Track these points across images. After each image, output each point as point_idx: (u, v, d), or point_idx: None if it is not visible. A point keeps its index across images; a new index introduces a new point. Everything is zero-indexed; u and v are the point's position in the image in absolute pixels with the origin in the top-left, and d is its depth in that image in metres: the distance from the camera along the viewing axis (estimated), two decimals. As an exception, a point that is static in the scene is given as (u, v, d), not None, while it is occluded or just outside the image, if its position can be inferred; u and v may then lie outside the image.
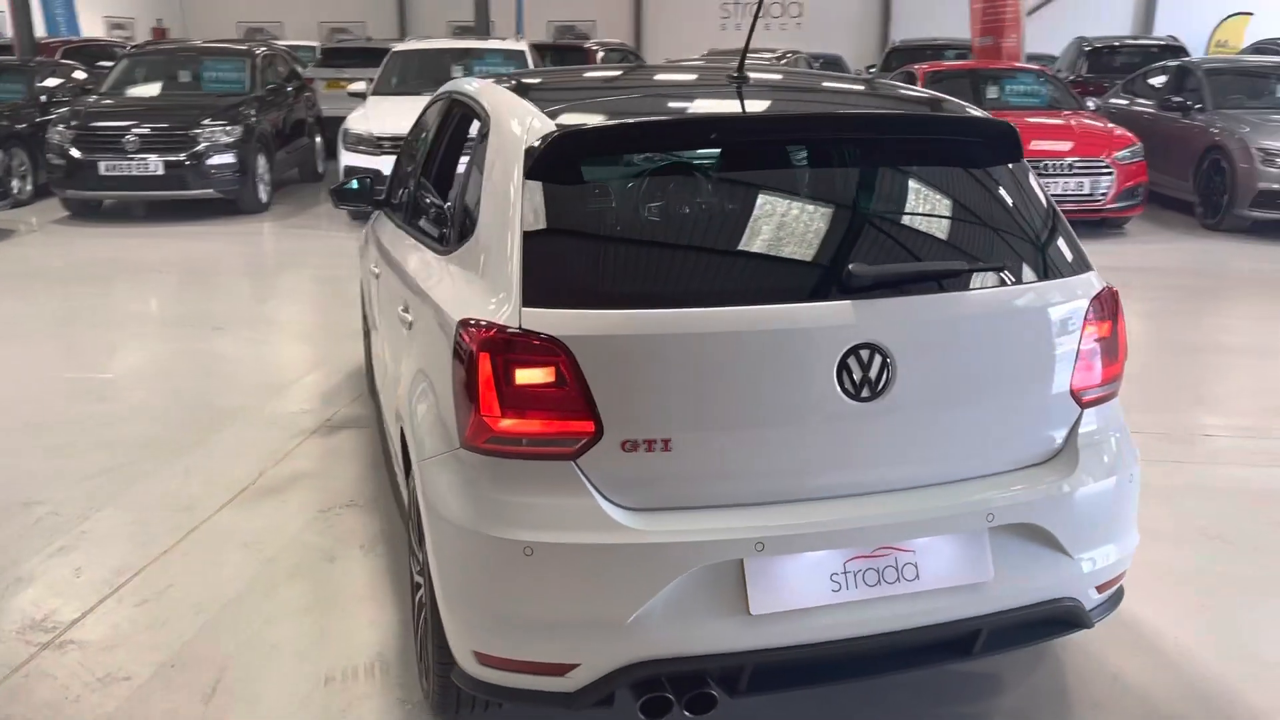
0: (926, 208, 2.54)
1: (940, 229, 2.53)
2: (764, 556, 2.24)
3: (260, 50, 12.22)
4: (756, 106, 2.77)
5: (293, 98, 12.30)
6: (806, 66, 16.29)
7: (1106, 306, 2.54)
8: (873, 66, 20.14)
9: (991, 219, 2.55)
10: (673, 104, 2.78)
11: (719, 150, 2.50)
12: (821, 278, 2.34)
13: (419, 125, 4.12)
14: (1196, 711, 2.78)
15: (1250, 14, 24.02)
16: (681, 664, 2.25)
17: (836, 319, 2.27)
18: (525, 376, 2.22)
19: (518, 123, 2.59)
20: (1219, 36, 24.43)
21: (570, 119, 2.51)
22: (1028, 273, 2.49)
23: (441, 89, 3.75)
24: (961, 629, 2.39)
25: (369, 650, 3.07)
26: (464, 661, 2.38)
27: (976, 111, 2.80)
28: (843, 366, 2.26)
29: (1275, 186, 9.37)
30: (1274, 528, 3.91)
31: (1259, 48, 17.26)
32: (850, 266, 2.32)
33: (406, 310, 2.98)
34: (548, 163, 2.38)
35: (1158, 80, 11.67)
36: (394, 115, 9.36)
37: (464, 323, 2.32)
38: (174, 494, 4.17)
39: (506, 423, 2.24)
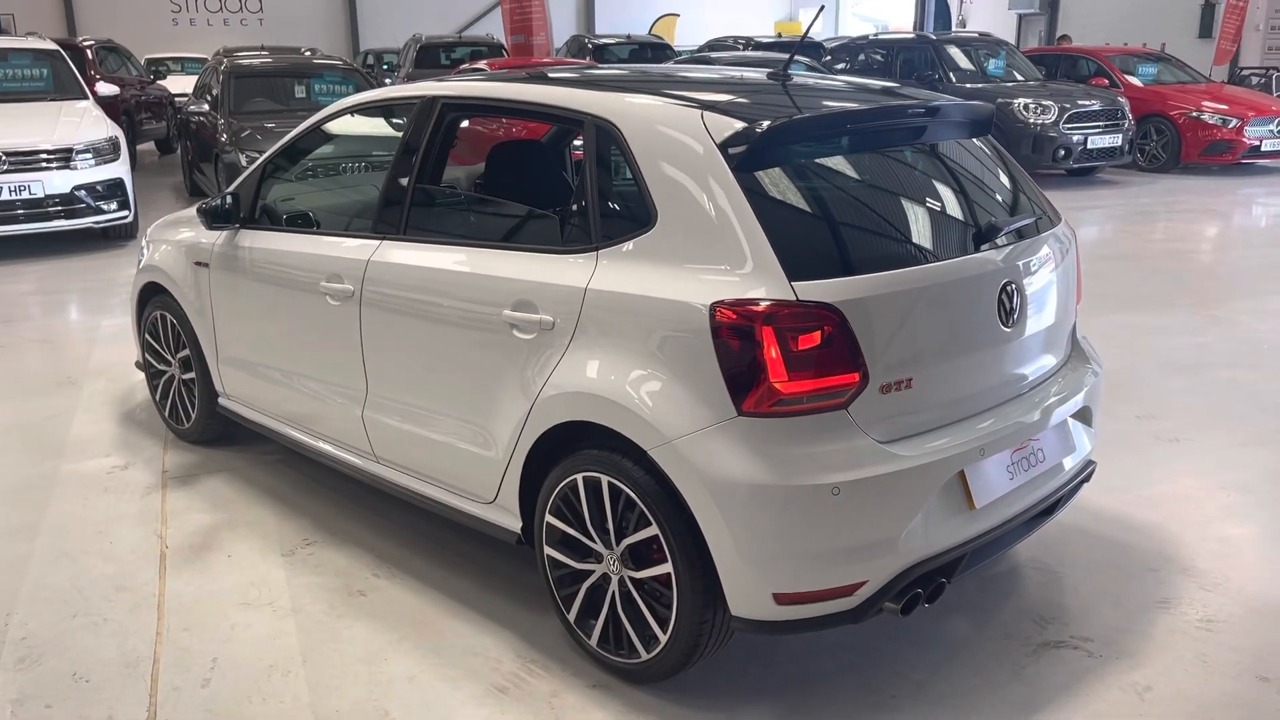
0: (991, 172, 3.20)
1: (1003, 188, 3.21)
2: (980, 460, 2.79)
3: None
4: (882, 96, 3.22)
5: None
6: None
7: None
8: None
9: (1018, 177, 3.29)
10: (804, 98, 3.13)
11: (885, 135, 2.95)
12: (977, 233, 2.91)
13: (364, 134, 3.92)
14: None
15: (677, 15, 27.83)
16: (933, 562, 2.71)
17: (995, 264, 2.87)
18: (807, 341, 2.53)
19: (680, 121, 2.80)
20: (655, 32, 27.94)
21: (745, 114, 2.79)
22: (1052, 217, 3.27)
23: (406, 92, 3.64)
24: (1057, 495, 3.12)
25: (563, 641, 3.07)
26: (755, 608, 2.62)
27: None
28: (999, 302, 2.87)
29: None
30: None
31: (712, 45, 20.18)
32: (993, 221, 2.93)
33: (463, 317, 3.04)
34: (757, 155, 2.68)
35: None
36: None
37: (731, 305, 2.54)
38: (83, 592, 3.57)
39: (792, 385, 2.53)
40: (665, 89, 3.12)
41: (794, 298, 2.53)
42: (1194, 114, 13.71)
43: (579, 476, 2.89)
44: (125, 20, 26.30)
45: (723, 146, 2.70)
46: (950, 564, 2.77)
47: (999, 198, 3.18)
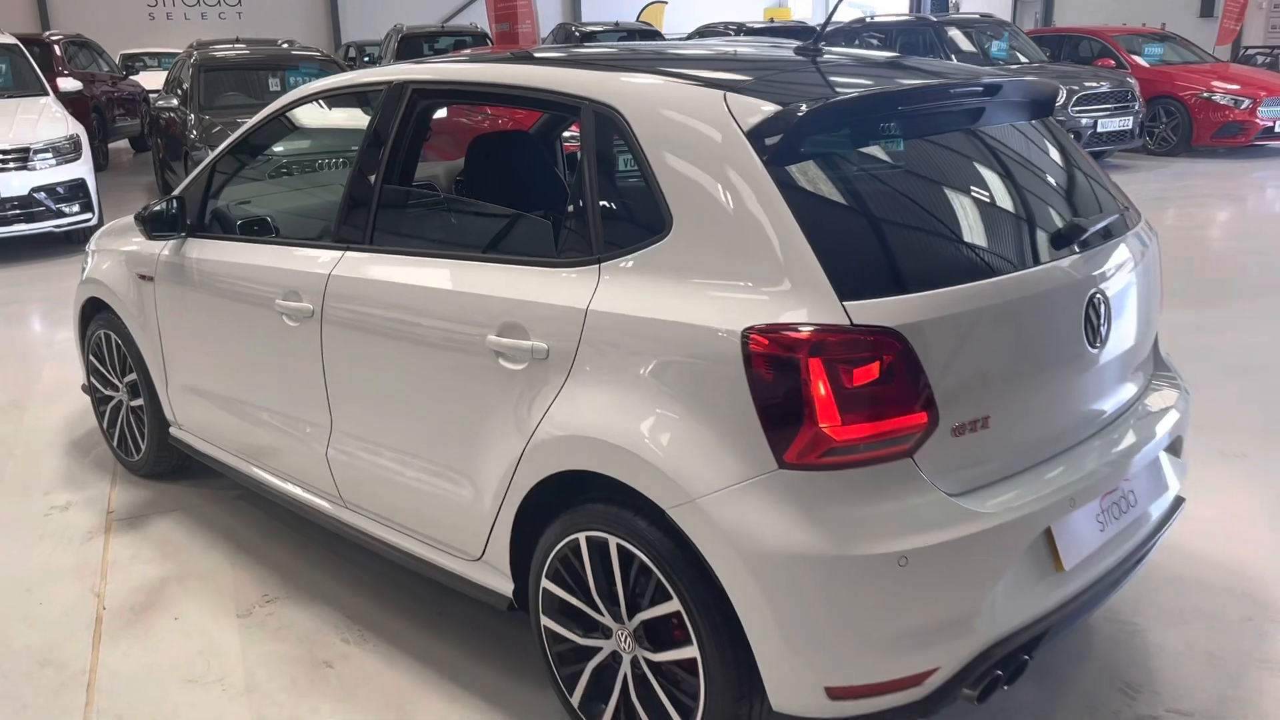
0: (1060, 161, 2.70)
1: (1076, 179, 2.71)
2: (1069, 512, 2.30)
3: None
4: (932, 74, 2.71)
5: None
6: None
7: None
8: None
9: (1088, 167, 2.79)
10: (837, 77, 2.61)
11: (941, 119, 2.45)
12: (1056, 234, 2.41)
13: (331, 127, 3.40)
14: (1198, 571, 3.32)
15: (666, 2, 27.23)
16: (1016, 639, 2.22)
17: (1081, 272, 2.38)
18: (863, 375, 2.04)
19: (698, 105, 2.30)
20: (644, 19, 27.35)
21: (777, 95, 2.29)
22: (1133, 213, 2.78)
23: (370, 77, 3.13)
24: (1150, 542, 2.63)
25: (497, 747, 2.58)
26: (803, 703, 2.13)
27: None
28: (1085, 318, 2.37)
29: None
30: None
31: (702, 31, 19.61)
32: (1075, 220, 2.44)
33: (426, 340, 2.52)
34: (794, 145, 2.19)
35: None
36: None
37: (769, 330, 2.04)
38: (1, 669, 3.06)
39: (846, 430, 2.04)
40: (675, 67, 2.61)
41: (846, 321, 2.03)
42: (1205, 95, 13.23)
43: (581, 536, 2.40)
44: (100, 15, 25.60)
45: (752, 135, 2.20)
46: (1034, 638, 2.29)
47: (1074, 191, 2.67)
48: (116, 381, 4.18)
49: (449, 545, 2.81)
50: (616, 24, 18.13)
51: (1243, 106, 13.04)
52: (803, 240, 2.09)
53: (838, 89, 2.40)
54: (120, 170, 14.57)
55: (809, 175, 2.20)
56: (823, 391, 2.03)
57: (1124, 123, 12.44)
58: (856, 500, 2.07)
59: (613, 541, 2.33)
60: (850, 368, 2.03)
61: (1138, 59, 14.23)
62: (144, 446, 4.10)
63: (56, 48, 14.41)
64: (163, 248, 3.68)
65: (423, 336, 2.70)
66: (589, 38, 16.60)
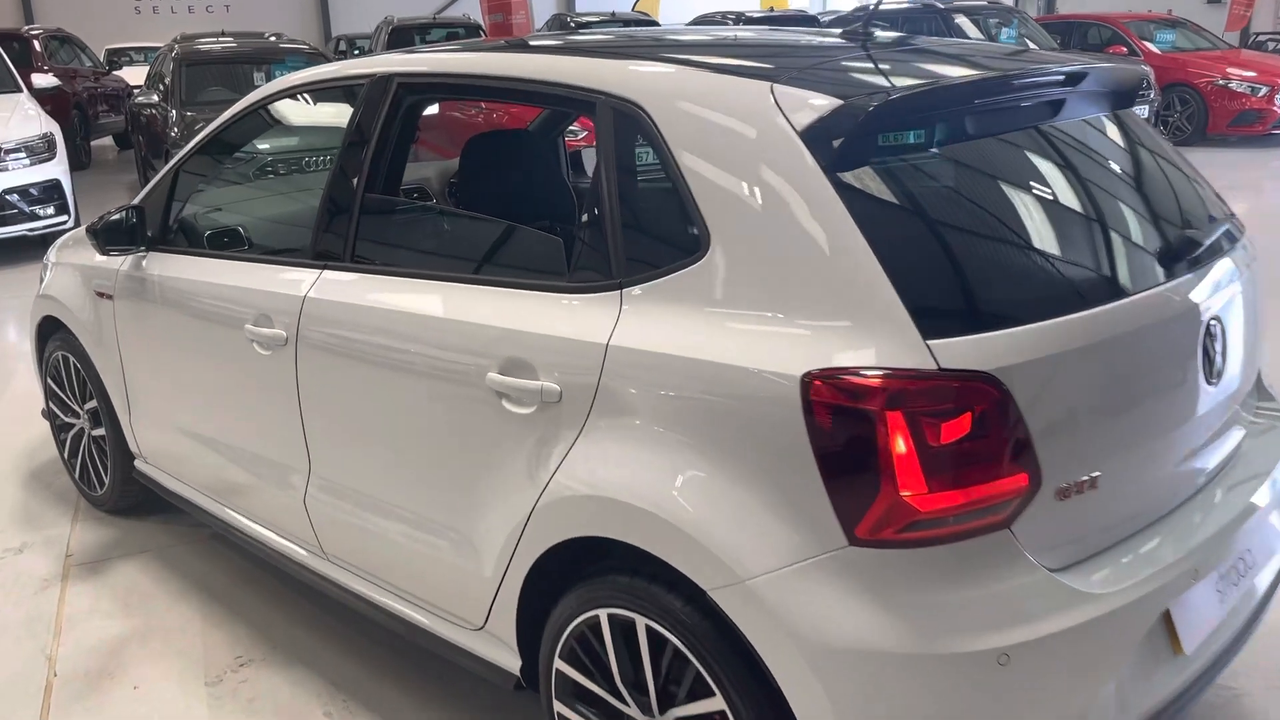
0: (1154, 162, 2.31)
1: (1175, 184, 2.32)
2: (1191, 584, 1.92)
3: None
4: (1000, 60, 2.30)
5: None
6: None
7: None
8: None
9: (1184, 168, 2.40)
10: (896, 65, 2.20)
11: (1018, 113, 2.05)
12: (1164, 251, 2.02)
13: (307, 126, 3.01)
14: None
15: (662, -9, 26.80)
16: (1129, 738, 1.85)
17: (1197, 294, 1.99)
18: (953, 431, 1.65)
19: (740, 99, 1.91)
20: (640, 10, 26.89)
21: (836, 87, 1.90)
22: (1238, 222, 2.39)
23: (350, 70, 2.73)
24: (1268, 597, 2.25)
25: None
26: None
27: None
28: (1202, 348, 1.99)
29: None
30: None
31: (700, 22, 19.19)
32: (1187, 234, 2.06)
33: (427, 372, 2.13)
34: (860, 147, 1.80)
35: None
36: None
37: (836, 376, 1.66)
38: (-64, 726, 2.68)
39: (934, 499, 1.65)
40: (704, 54, 2.23)
41: (932, 364, 1.65)
42: (1221, 82, 12.84)
43: (602, 613, 2.02)
44: (85, 9, 25.09)
45: (808, 135, 1.81)
46: (1147, 731, 1.91)
47: (1177, 198, 2.28)
48: (77, 408, 3.79)
49: (446, 611, 2.43)
50: (613, 14, 17.73)
51: (1260, 94, 12.65)
52: (874, 263, 1.70)
53: (903, 79, 2.01)
54: (103, 168, 14.14)
55: (878, 184, 1.82)
56: (904, 451, 1.64)
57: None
58: (944, 584, 1.69)
59: (641, 622, 1.95)
60: (937, 421, 1.64)
61: (1149, 46, 13.83)
62: (107, 481, 3.72)
63: (36, 43, 13.97)
64: (122, 263, 3.29)
65: (411, 371, 2.32)
66: (585, 29, 16.19)
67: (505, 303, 2.17)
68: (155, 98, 9.78)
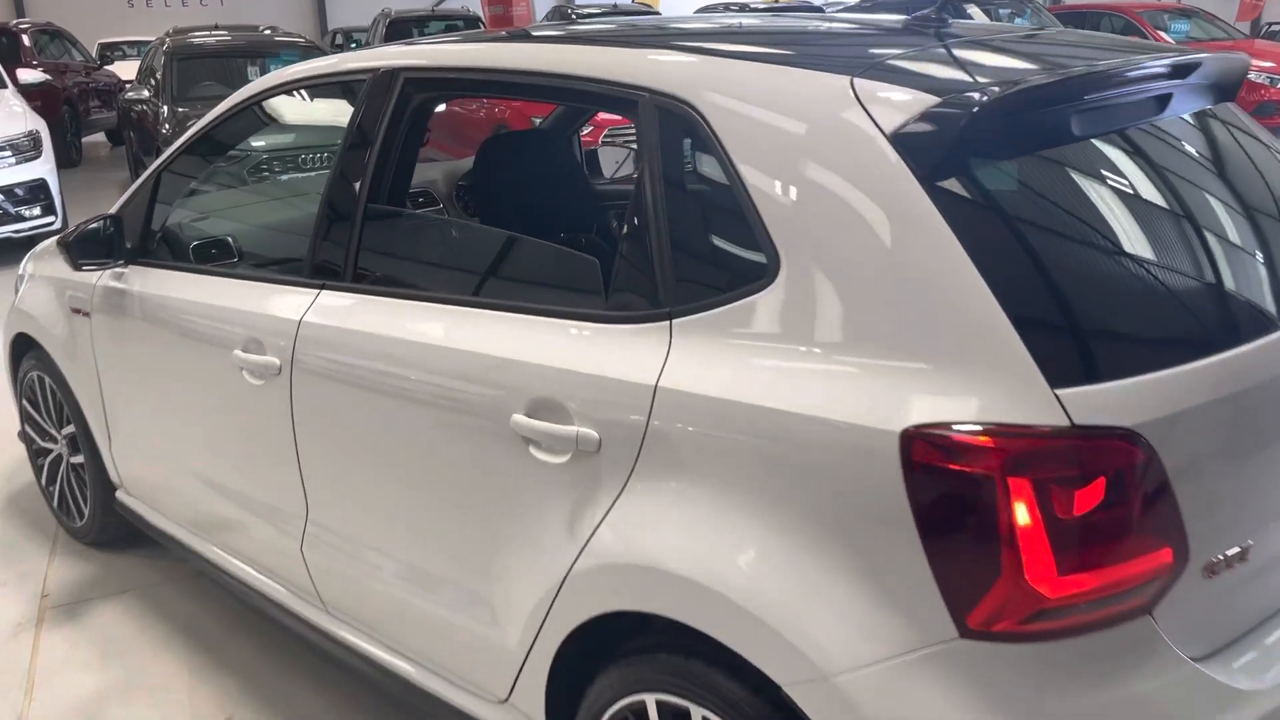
0: (1272, 163, 2.01)
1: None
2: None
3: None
4: (1095, 50, 2.00)
5: None
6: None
7: None
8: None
9: None
10: (985, 57, 1.89)
11: (1123, 111, 1.74)
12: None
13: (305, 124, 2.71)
14: None
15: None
16: None
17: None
18: (1087, 499, 1.36)
19: (813, 97, 1.62)
20: (641, 1, 26.54)
21: (929, 82, 1.60)
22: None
23: (351, 64, 2.43)
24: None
25: None
26: None
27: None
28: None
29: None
30: None
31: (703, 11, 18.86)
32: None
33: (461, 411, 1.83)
34: (962, 153, 1.51)
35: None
36: None
37: (943, 432, 1.37)
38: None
39: (1064, 583, 1.36)
40: (759, 44, 1.93)
41: (1064, 419, 1.35)
42: (1239, 73, 12.53)
43: (649, 699, 1.73)
44: (77, 3, 24.72)
45: (901, 139, 1.52)
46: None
47: None
48: (54, 433, 3.50)
49: (464, 679, 2.14)
50: (615, 5, 17.37)
51: (1278, 85, 12.35)
52: (986, 293, 1.41)
53: (997, 73, 1.72)
54: (95, 165, 13.82)
55: (985, 197, 1.52)
56: (1028, 524, 1.35)
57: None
58: (1075, 685, 1.40)
59: (697, 713, 1.65)
60: (1069, 488, 1.35)
61: (1164, 36, 13.52)
62: (86, 512, 3.42)
63: (25, 38, 13.65)
64: (99, 277, 2.99)
65: (422, 410, 2.03)
66: (587, 20, 15.85)
67: (531, 332, 1.88)
68: (146, 93, 9.46)
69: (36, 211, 7.96)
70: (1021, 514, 1.35)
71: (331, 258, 2.30)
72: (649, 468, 1.67)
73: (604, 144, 7.18)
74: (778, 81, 1.69)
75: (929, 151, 1.49)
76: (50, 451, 3.56)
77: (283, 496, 2.44)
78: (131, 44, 21.90)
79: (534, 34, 2.28)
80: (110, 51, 20.37)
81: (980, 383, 1.39)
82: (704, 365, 1.62)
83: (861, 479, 1.43)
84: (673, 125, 1.75)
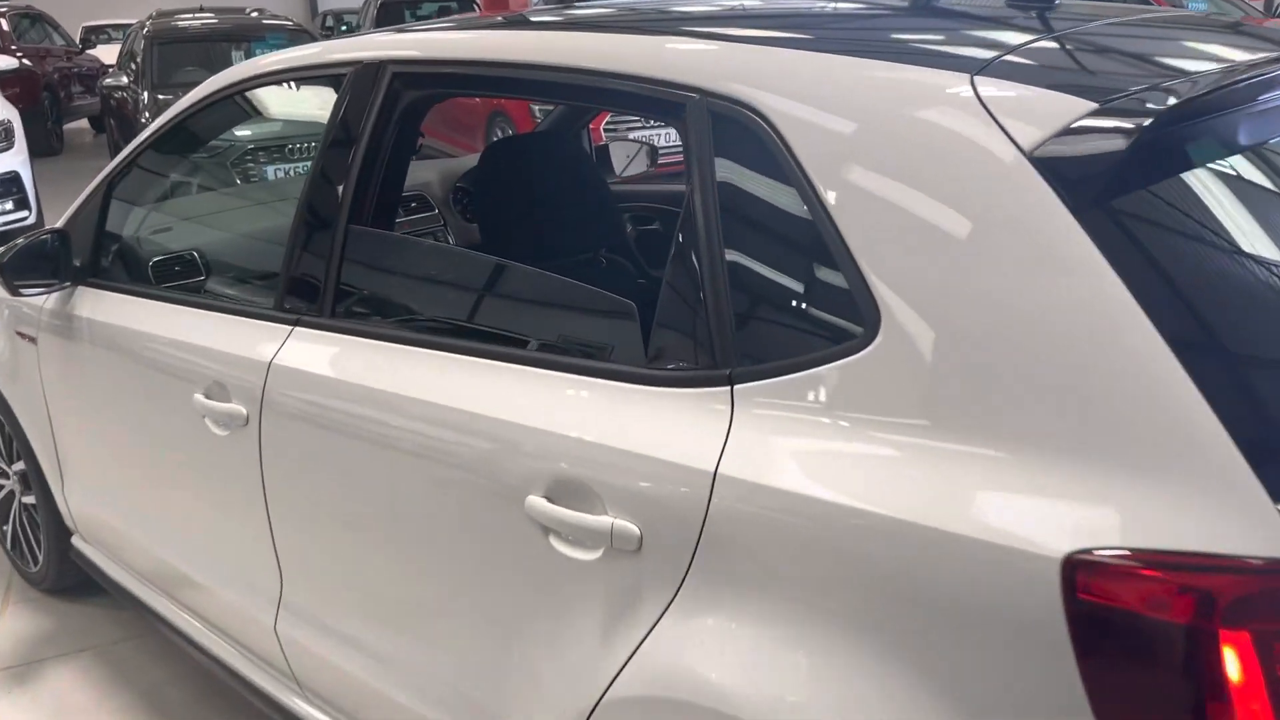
0: None
1: None
2: None
3: None
4: (1235, 34, 1.63)
5: None
6: None
7: None
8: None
9: None
10: (1119, 45, 1.51)
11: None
12: None
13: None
14: None
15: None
16: None
17: None
18: (1320, 657, 1.00)
19: (924, 100, 1.25)
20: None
21: (1074, 80, 1.23)
22: None
23: (331, 55, 2.04)
24: None
25: None
26: None
27: None
28: None
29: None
30: None
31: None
32: None
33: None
34: (1129, 181, 1.14)
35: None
36: None
37: (1119, 561, 1.01)
38: None
39: (1289, 769, 1.00)
40: (832, 28, 1.56)
41: (1292, 549, 0.99)
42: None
43: None
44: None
45: (1047, 161, 1.14)
46: None
47: None
48: (6, 468, 3.13)
49: None
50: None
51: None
52: (1175, 368, 1.04)
53: (1163, 70, 1.34)
54: (77, 153, 13.37)
55: (1164, 238, 1.15)
56: (1243, 686, 0.99)
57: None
58: None
59: None
60: (1297, 644, 0.99)
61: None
62: (41, 557, 3.05)
63: (3, 21, 13.20)
64: (47, 299, 2.61)
65: (415, 482, 1.66)
66: (586, 4, 15.40)
67: (551, 391, 1.51)
68: (125, 79, 9.05)
69: (9, 206, 7.55)
70: (1235, 675, 0.99)
71: (307, 288, 1.92)
72: (706, 576, 1.30)
73: (607, 136, 6.80)
74: (870, 80, 1.31)
75: (1087, 177, 1.13)
76: (2, 489, 3.19)
77: (254, 566, 2.07)
78: (116, 27, 21.38)
79: (541, 19, 1.90)
80: (94, 35, 19.87)
81: (1173, 494, 1.02)
82: (781, 447, 1.26)
83: (1005, 615, 1.07)
84: (733, 136, 1.38)
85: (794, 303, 1.32)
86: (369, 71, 1.90)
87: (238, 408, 1.96)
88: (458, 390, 1.61)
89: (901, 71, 1.30)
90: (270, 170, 2.99)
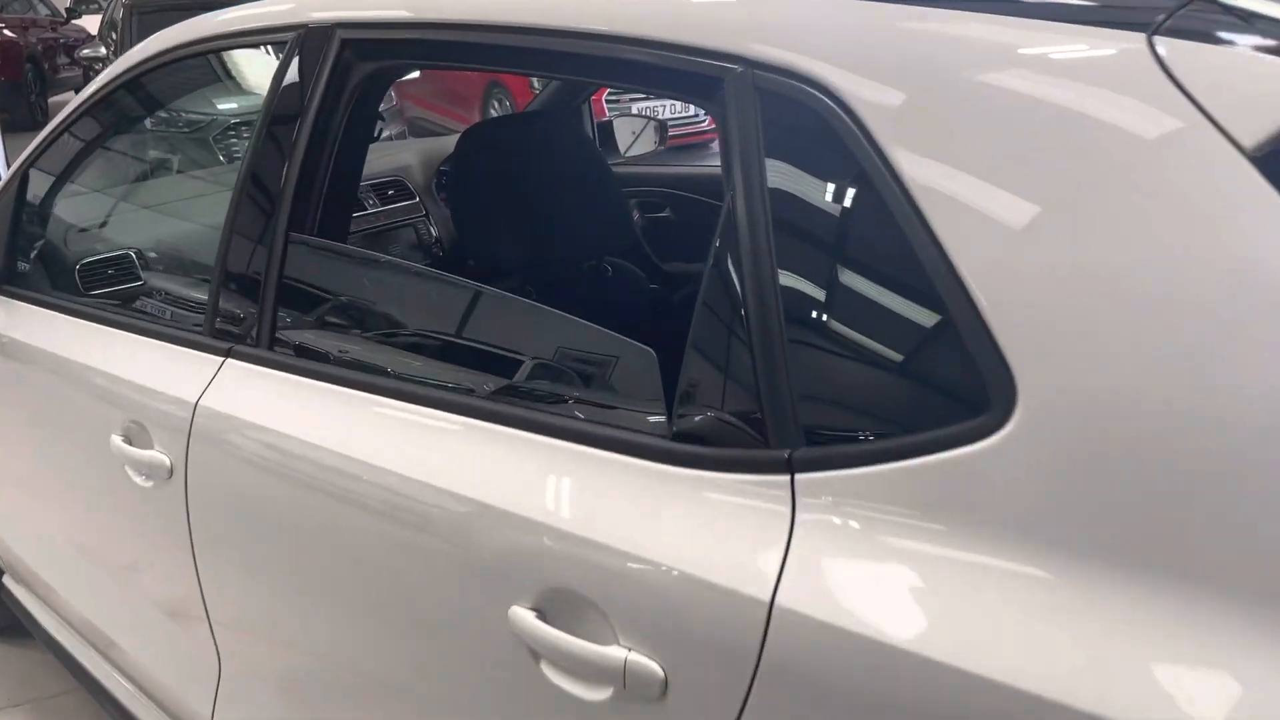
0: None
1: None
2: None
3: None
4: None
5: None
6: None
7: None
8: None
9: None
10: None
11: None
12: None
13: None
14: None
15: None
16: None
17: None
18: None
19: (1076, 78, 0.86)
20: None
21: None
22: None
23: (266, 19, 1.65)
24: None
25: None
26: None
27: None
28: None
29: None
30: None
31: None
32: None
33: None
34: None
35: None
36: None
37: None
38: None
39: None
40: None
41: None
42: None
43: None
44: (50, -46, 23.63)
45: (1269, 157, 0.76)
46: None
47: None
48: (-69, 492, 2.76)
49: None
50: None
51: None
52: None
53: None
54: (62, 129, 12.91)
55: None
56: None
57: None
58: None
59: None
60: None
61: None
62: (-28, 595, 2.70)
63: (-18, -10, 12.74)
64: (-45, 307, 2.23)
65: (373, 567, 1.29)
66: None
67: (541, 467, 1.13)
68: (104, 51, 8.62)
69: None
70: None
71: (239, 311, 1.54)
72: (758, 735, 0.93)
73: (610, 110, 6.37)
74: (995, 46, 0.92)
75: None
76: (-69, 514, 2.83)
77: (189, 639, 1.71)
78: (106, -4, 20.92)
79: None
80: (81, 4, 19.37)
81: None
82: (867, 574, 0.88)
83: None
84: (790, 123, 0.99)
85: (882, 361, 0.94)
86: (315, 37, 1.51)
87: (160, 456, 1.59)
88: (422, 454, 1.24)
89: (1039, 31, 0.91)
90: (190, 166, 2.59)
